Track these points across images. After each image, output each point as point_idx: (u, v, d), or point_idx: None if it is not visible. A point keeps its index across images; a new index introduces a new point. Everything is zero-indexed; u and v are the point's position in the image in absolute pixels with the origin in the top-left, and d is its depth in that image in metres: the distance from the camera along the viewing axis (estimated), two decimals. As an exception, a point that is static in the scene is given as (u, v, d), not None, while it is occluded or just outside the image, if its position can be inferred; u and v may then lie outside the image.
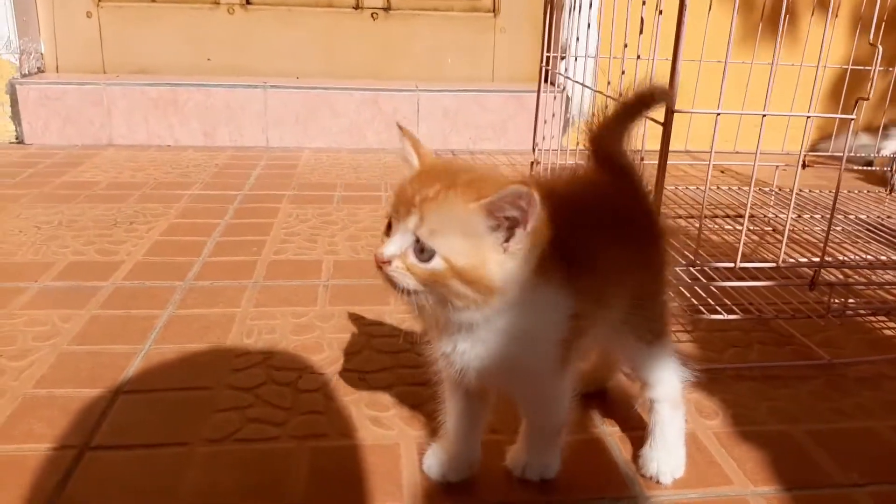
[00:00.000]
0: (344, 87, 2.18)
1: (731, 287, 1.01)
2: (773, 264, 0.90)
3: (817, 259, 0.99)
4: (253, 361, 0.92)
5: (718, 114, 0.83)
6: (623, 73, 1.20)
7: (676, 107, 0.80)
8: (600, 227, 0.65)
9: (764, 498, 0.71)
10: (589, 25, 1.72)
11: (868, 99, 0.78)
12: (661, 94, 0.72)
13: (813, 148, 2.29)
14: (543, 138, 1.41)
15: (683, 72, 0.83)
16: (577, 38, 1.73)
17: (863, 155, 2.11)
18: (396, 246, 0.57)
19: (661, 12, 0.98)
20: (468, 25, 2.37)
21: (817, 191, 1.78)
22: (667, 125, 0.81)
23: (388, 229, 0.60)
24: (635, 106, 0.71)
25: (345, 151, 2.16)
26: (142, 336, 0.98)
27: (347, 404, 0.83)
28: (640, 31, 1.06)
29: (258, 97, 2.15)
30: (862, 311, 1.05)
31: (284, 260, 1.28)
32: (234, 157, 2.05)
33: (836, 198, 0.93)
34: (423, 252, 0.56)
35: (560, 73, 1.88)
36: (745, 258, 0.98)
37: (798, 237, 1.44)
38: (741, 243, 0.92)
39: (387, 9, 2.33)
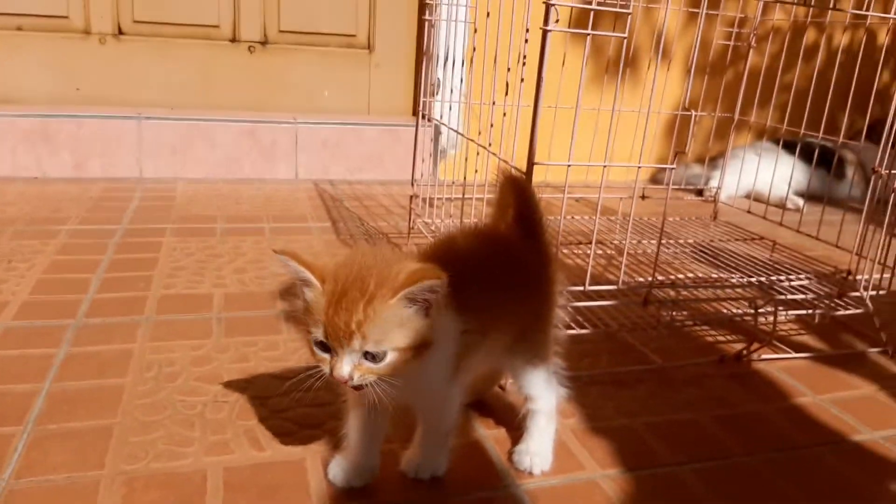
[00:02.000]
0: (221, 119, 2.22)
1: (583, 306, 1.18)
2: (615, 287, 1.08)
3: (652, 279, 1.19)
4: (156, 394, 0.98)
5: (569, 165, 1.00)
6: (493, 125, 1.36)
7: (536, 158, 0.95)
8: (491, 273, 0.79)
9: (611, 479, 0.87)
10: (461, 72, 1.89)
11: (685, 152, 0.97)
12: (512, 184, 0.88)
13: (652, 178, 2.59)
14: (422, 175, 1.55)
15: (542, 117, 0.99)
16: (451, 90, 1.89)
17: (694, 184, 2.42)
18: (349, 365, 0.67)
19: (524, 63, 1.14)
20: (344, 61, 2.48)
21: (655, 217, 2.04)
22: (528, 175, 0.96)
23: (322, 344, 0.68)
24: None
25: (221, 182, 2.20)
26: (41, 375, 1.00)
27: (252, 427, 0.92)
28: (505, 94, 1.22)
29: (132, 128, 2.14)
30: (688, 323, 1.26)
31: (174, 294, 1.32)
32: (108, 188, 2.03)
33: (662, 227, 1.12)
34: (375, 357, 0.67)
35: (432, 119, 2.04)
36: (593, 279, 1.15)
37: (641, 258, 1.67)
38: (589, 269, 1.10)
39: (264, 43, 2.40)
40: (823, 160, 2.31)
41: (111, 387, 0.99)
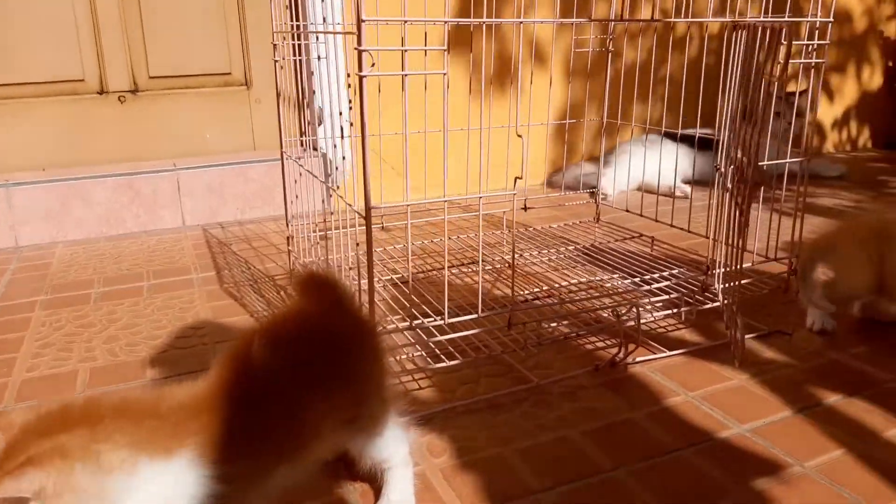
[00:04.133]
0: (96, 175, 2.14)
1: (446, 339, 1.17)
2: (475, 315, 1.07)
3: (511, 301, 1.19)
4: (0, 495, 0.92)
5: (408, 205, 0.99)
6: (338, 168, 1.34)
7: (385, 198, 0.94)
8: (299, 391, 0.74)
9: (474, 519, 0.86)
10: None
11: (521, 177, 0.97)
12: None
13: (548, 181, 2.62)
14: (293, 216, 1.51)
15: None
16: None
17: (589, 184, 2.46)
18: None
19: (350, 108, 1.13)
20: (223, 100, 2.43)
21: (542, 225, 2.06)
22: (367, 220, 0.95)
23: None
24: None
25: (103, 241, 2.11)
26: None
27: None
28: (341, 138, 1.20)
29: (1, 197, 2.04)
30: (560, 336, 1.26)
31: (37, 377, 1.25)
32: (-21, 263, 1.93)
33: (513, 246, 1.12)
34: None
35: (292, 155, 2.00)
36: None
37: (526, 270, 1.67)
38: (445, 302, 1.09)
39: (135, 91, 2.32)
40: (707, 145, 2.39)
41: (-52, 496, 0.92)
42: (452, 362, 1.14)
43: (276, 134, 2.49)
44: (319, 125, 2.34)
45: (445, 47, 0.92)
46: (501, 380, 1.20)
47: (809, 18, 1.22)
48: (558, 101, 2.56)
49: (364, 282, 0.97)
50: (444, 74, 0.93)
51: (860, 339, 1.33)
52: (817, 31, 1.23)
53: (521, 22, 1.24)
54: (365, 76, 0.91)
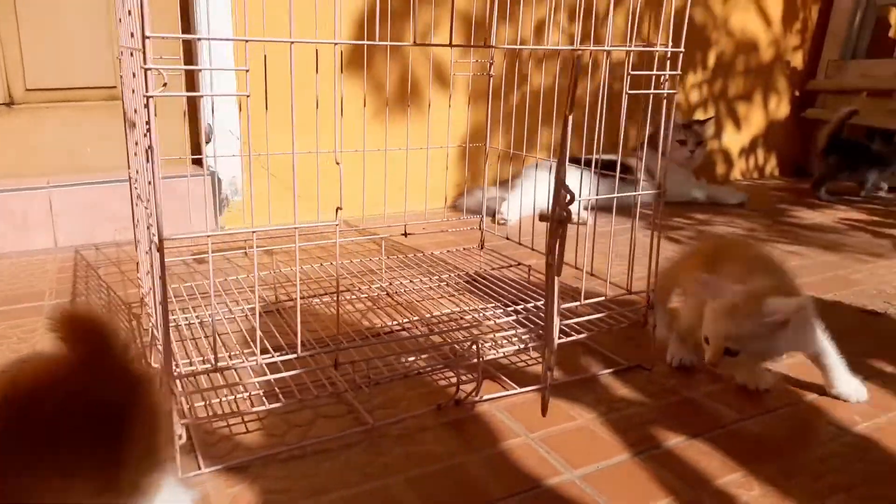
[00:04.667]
0: (-41, 193, 2.00)
1: (266, 379, 1.09)
2: (295, 355, 1.00)
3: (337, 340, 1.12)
4: None
5: (254, 232, 0.91)
6: (141, 197, 1.25)
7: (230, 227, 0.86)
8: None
9: (255, 585, 0.78)
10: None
11: (341, 208, 0.91)
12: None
13: (453, 205, 2.57)
14: (139, 241, 1.42)
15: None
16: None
17: (491, 208, 2.42)
18: None
19: (147, 132, 1.05)
20: (107, 114, 2.31)
21: (430, 252, 2.00)
22: (160, 252, 0.87)
23: None
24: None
25: (-34, 262, 1.97)
26: None
27: None
28: (147, 160, 1.12)
29: None
30: (380, 382, 1.19)
31: None
32: None
33: (337, 285, 1.05)
34: None
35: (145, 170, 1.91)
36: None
37: (397, 300, 1.61)
38: (258, 341, 1.01)
39: (9, 104, 2.19)
40: (612, 168, 2.37)
41: None
42: (274, 405, 1.06)
43: (165, 150, 2.38)
44: (207, 143, 2.25)
45: (247, 68, 0.85)
46: (339, 421, 1.12)
47: (659, 48, 1.20)
48: (462, 125, 2.52)
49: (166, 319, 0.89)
50: (247, 96, 0.86)
51: (719, 375, 1.31)
52: (668, 62, 1.21)
53: (389, 44, 1.18)
54: (152, 97, 0.84)
